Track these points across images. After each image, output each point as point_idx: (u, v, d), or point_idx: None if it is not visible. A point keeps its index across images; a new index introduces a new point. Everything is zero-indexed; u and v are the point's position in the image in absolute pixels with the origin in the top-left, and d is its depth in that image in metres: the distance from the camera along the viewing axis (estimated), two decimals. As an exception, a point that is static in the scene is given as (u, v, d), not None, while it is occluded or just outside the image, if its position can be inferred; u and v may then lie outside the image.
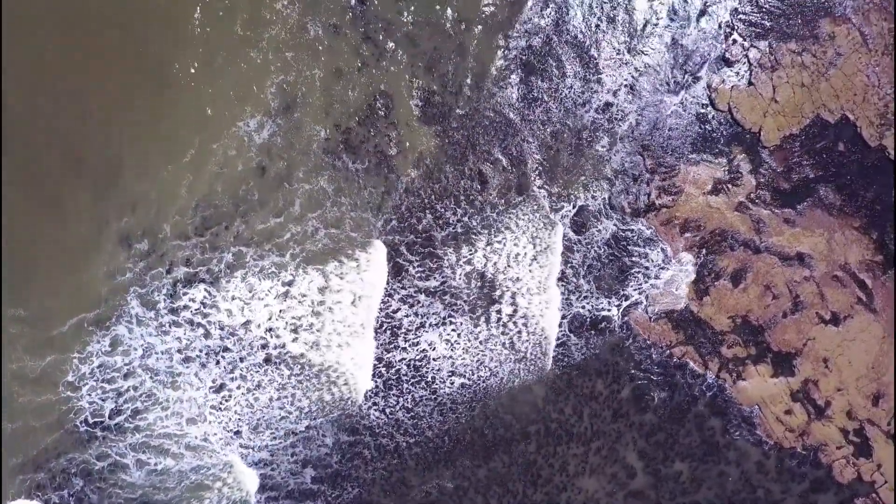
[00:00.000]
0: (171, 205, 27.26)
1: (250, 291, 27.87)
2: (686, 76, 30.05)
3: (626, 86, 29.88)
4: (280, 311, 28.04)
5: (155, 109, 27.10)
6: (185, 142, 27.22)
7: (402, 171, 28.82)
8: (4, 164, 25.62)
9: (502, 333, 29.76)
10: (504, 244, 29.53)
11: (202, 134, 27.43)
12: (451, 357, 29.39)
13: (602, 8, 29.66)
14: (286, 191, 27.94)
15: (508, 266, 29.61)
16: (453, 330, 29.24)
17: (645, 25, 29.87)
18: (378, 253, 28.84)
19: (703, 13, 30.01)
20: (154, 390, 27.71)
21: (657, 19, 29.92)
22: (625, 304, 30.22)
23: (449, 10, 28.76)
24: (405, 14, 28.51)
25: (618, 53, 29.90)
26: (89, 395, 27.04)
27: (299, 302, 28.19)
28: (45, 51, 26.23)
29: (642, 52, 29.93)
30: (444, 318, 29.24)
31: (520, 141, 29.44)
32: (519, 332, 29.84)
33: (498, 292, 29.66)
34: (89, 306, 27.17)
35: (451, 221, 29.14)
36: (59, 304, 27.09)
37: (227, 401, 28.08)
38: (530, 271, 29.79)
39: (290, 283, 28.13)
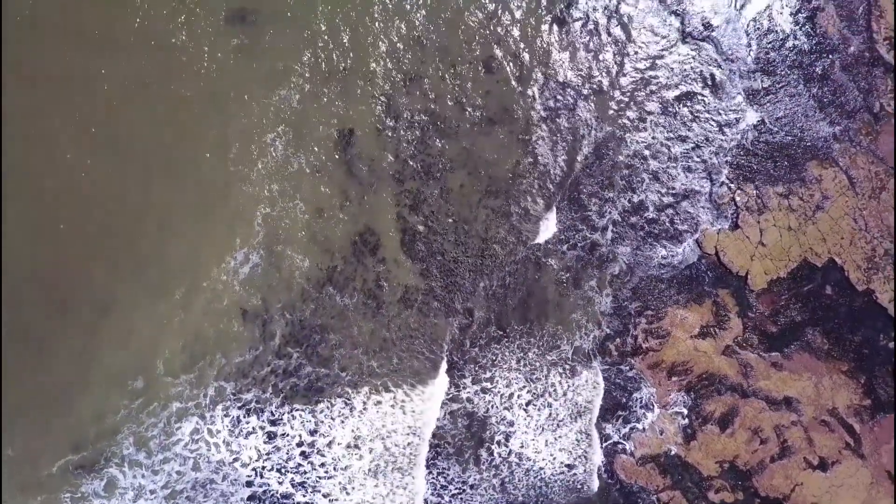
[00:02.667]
0: (162, 342, 27.43)
1: (234, 427, 27.89)
2: (679, 221, 30.40)
3: (613, 224, 30.13)
4: (267, 450, 28.01)
5: (147, 249, 27.42)
6: (177, 280, 27.50)
7: (389, 307, 28.98)
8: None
9: (493, 476, 29.62)
10: (494, 383, 29.54)
11: (193, 272, 27.71)
12: (439, 502, 29.30)
13: (593, 148, 30.04)
14: (265, 323, 28.03)
15: (503, 408, 29.57)
16: (439, 474, 29.19)
17: (637, 167, 30.27)
18: (425, 396, 28.98)
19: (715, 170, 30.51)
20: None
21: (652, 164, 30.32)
22: (608, 443, 30.16)
23: (432, 151, 29.15)
24: (389, 153, 28.87)
25: (602, 189, 30.18)
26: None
27: (285, 440, 28.16)
28: (36, 190, 26.70)
29: (632, 191, 30.28)
30: (428, 460, 29.17)
31: (506, 279, 29.60)
32: (511, 473, 29.70)
33: (488, 433, 29.60)
34: (76, 448, 27.26)
35: (424, 352, 29.16)
36: (46, 446, 27.19)
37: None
38: (527, 413, 29.76)
39: (274, 422, 28.15)
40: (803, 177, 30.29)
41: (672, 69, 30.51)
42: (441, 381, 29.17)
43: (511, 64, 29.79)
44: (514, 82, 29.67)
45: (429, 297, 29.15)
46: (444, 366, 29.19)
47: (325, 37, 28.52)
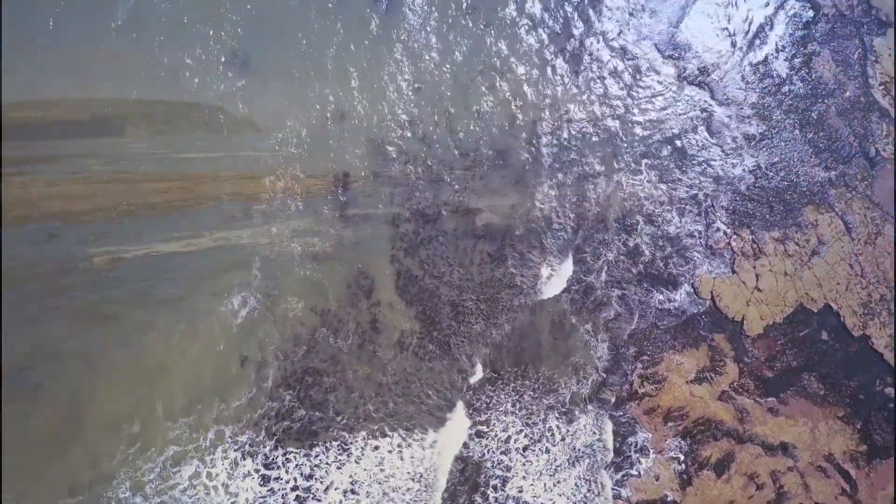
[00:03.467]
0: (161, 385, 27.25)
1: (233, 469, 27.74)
2: (674, 266, 30.35)
3: (608, 267, 30.10)
4: (262, 494, 27.81)
5: (144, 292, 27.31)
6: (174, 324, 27.37)
7: (385, 351, 28.87)
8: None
9: (489, 522, 29.49)
10: (491, 427, 29.39)
11: (190, 316, 27.61)
12: (431, 552, 29.11)
13: (586, 199, 30.06)
14: (260, 367, 27.87)
15: (500, 452, 29.40)
16: (434, 520, 29.07)
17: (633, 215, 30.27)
18: (439, 440, 28.69)
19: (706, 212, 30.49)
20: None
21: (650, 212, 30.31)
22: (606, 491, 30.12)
23: (428, 195, 29.15)
24: (385, 196, 28.87)
25: (597, 232, 30.17)
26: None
27: (280, 483, 27.97)
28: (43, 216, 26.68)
29: (626, 234, 30.26)
30: (422, 506, 29.07)
31: (502, 322, 29.55)
32: (507, 517, 29.60)
33: (483, 477, 29.44)
34: (73, 493, 27.08)
35: (420, 396, 29.05)
36: (42, 490, 26.97)
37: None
38: (524, 458, 29.61)
39: (268, 465, 27.97)
40: (799, 222, 30.33)
41: (669, 114, 30.59)
42: (455, 428, 29.08)
43: (507, 110, 29.85)
44: (510, 128, 29.73)
45: (424, 341, 29.08)
46: (456, 411, 29.15)
47: (331, 80, 28.61)
